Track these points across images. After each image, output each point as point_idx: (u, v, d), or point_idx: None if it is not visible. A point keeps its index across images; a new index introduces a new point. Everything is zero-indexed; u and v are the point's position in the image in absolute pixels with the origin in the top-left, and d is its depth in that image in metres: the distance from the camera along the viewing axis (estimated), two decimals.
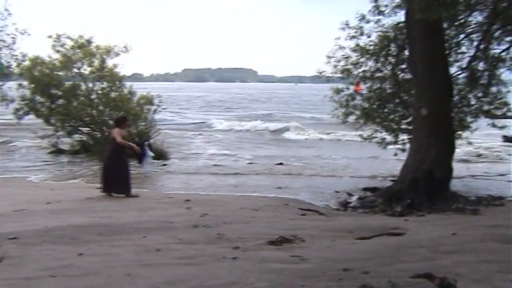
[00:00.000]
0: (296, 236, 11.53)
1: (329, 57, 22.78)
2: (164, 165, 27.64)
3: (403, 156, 21.36)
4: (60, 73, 32.12)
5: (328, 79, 23.52)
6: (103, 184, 18.57)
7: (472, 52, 21.65)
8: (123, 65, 32.40)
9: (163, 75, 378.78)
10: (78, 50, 31.93)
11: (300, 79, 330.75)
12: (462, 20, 20.87)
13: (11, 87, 40.28)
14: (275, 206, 17.55)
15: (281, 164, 28.85)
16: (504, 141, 36.05)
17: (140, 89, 33.43)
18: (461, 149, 27.47)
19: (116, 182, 18.36)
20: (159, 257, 9.93)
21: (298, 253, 10.01)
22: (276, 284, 8.11)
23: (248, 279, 8.28)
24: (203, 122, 59.21)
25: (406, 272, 8.30)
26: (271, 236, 11.43)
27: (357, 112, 23.33)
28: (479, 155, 32.69)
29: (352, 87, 23.72)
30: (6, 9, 52.05)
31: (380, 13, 21.58)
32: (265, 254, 10.06)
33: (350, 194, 20.54)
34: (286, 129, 50.51)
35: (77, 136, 32.60)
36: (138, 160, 19.85)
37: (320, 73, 23.22)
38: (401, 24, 20.95)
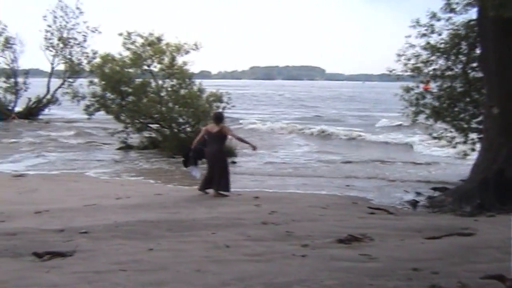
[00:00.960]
0: (365, 235, 11.48)
1: (399, 55, 22.60)
2: (234, 162, 27.67)
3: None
4: (130, 70, 32.48)
5: (398, 78, 23.30)
6: (207, 182, 18.13)
7: None
8: (193, 63, 32.56)
9: (231, 73, 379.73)
10: (148, 48, 32.25)
11: (368, 77, 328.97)
12: None
13: (82, 84, 41.03)
14: (344, 204, 17.49)
15: (348, 162, 28.73)
16: None
17: (209, 86, 33.49)
18: None
19: (222, 181, 18.05)
20: (228, 253, 9.98)
21: (367, 251, 9.97)
22: (345, 282, 8.09)
23: (317, 277, 8.28)
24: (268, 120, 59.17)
25: (476, 273, 8.21)
26: (340, 235, 11.39)
27: (427, 111, 23.08)
28: None
29: (421, 86, 23.48)
30: (77, 8, 53.56)
31: (452, 10, 21.29)
32: (334, 252, 10.04)
33: (419, 194, 20.36)
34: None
35: (146, 133, 32.90)
36: (191, 162, 19.05)
37: (390, 71, 23.02)
38: (472, 22, 20.62)
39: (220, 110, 28.34)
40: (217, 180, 17.86)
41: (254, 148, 18.85)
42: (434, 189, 21.02)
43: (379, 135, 43.82)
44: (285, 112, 74.31)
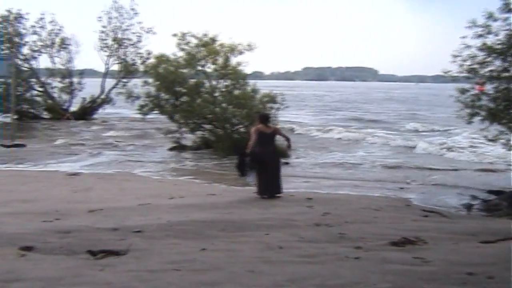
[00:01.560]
0: (419, 238, 11.38)
1: (455, 56, 22.30)
2: (286, 163, 27.55)
3: None
4: (184, 70, 32.62)
5: (454, 79, 23.01)
6: (268, 187, 17.78)
7: None
8: (247, 63, 32.58)
9: (283, 74, 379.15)
10: (202, 48, 32.36)
11: (421, 79, 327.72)
12: None
13: (136, 84, 41.35)
14: (397, 206, 17.34)
15: (401, 166, 28.41)
16: None
17: (261, 87, 33.37)
18: None
19: (278, 182, 17.93)
20: (281, 254, 9.97)
21: (421, 255, 9.89)
22: (399, 286, 8.05)
23: (370, 280, 8.25)
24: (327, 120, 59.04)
25: None
26: (393, 237, 11.33)
27: (483, 113, 22.76)
28: None
29: (476, 87, 23.16)
30: (132, 9, 54.18)
31: (510, 11, 20.98)
32: (387, 255, 9.99)
33: (474, 197, 20.10)
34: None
35: (199, 133, 33.02)
36: (250, 167, 17.99)
37: (446, 72, 22.73)
38: None
39: (264, 111, 28.19)
40: (274, 181, 17.80)
41: (291, 148, 18.67)
42: (490, 192, 20.75)
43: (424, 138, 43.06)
44: (335, 113, 73.83)
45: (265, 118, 18.46)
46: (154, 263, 9.22)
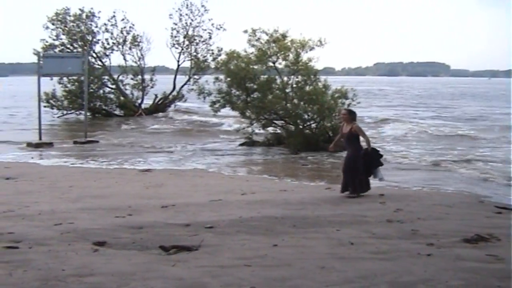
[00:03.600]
0: (492, 235, 11.29)
1: None
2: None
3: None
4: (255, 67, 32.66)
5: None
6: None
7: None
8: (318, 59, 32.45)
9: (354, 69, 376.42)
10: (273, 44, 32.36)
11: (493, 74, 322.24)
12: None
13: (207, 80, 41.58)
14: (470, 203, 17.07)
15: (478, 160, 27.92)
16: None
17: (333, 83, 33.20)
18: None
19: None
20: (352, 250, 9.99)
21: (494, 252, 9.84)
22: (471, 283, 8.00)
23: (443, 277, 8.22)
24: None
25: None
26: (466, 234, 11.29)
27: None
28: None
29: None
30: (202, 6, 54.55)
31: None
32: (460, 252, 9.97)
33: None
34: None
35: (270, 129, 33.08)
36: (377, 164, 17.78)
37: None
38: None
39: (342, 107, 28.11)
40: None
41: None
42: None
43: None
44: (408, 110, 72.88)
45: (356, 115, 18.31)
46: (225, 258, 9.31)
